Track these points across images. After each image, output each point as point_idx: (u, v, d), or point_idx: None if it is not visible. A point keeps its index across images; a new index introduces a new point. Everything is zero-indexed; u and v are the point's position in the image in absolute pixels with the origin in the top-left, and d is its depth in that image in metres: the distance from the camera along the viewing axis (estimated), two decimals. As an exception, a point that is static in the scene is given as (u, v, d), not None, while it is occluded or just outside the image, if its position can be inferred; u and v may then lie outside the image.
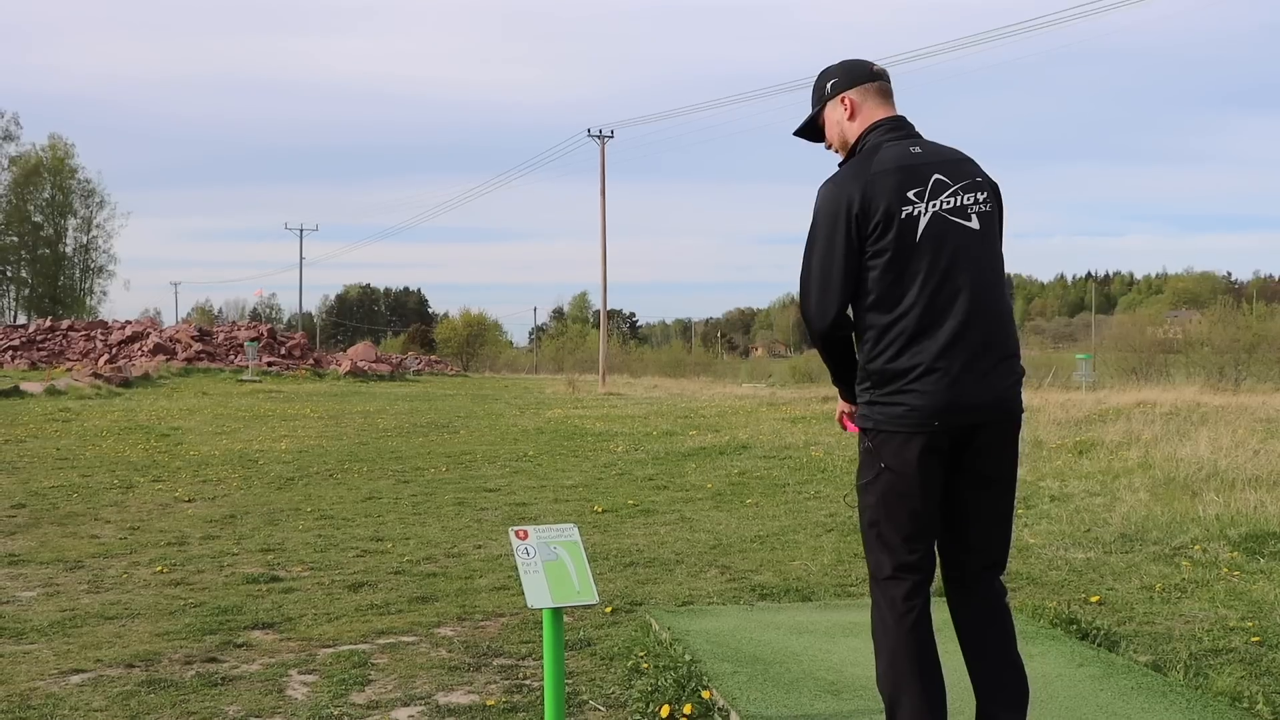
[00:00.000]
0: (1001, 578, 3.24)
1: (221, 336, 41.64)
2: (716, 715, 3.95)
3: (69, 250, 74.95)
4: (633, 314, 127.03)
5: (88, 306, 72.62)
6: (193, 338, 40.11)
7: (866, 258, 3.03)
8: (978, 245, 3.08)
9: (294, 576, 6.66)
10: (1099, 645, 4.80)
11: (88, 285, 75.72)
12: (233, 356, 38.26)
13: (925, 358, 2.99)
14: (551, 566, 3.57)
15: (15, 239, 72.69)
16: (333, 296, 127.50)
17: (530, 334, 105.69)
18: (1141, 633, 5.12)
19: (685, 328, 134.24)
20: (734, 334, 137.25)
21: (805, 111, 3.39)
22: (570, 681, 4.45)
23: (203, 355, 37.71)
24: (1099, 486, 9.46)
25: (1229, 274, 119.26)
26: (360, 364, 40.04)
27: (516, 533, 3.65)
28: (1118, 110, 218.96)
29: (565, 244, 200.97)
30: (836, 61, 3.34)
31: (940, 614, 3.16)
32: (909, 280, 3.01)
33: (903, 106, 3.29)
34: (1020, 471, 3.24)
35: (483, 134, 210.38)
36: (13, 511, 9.16)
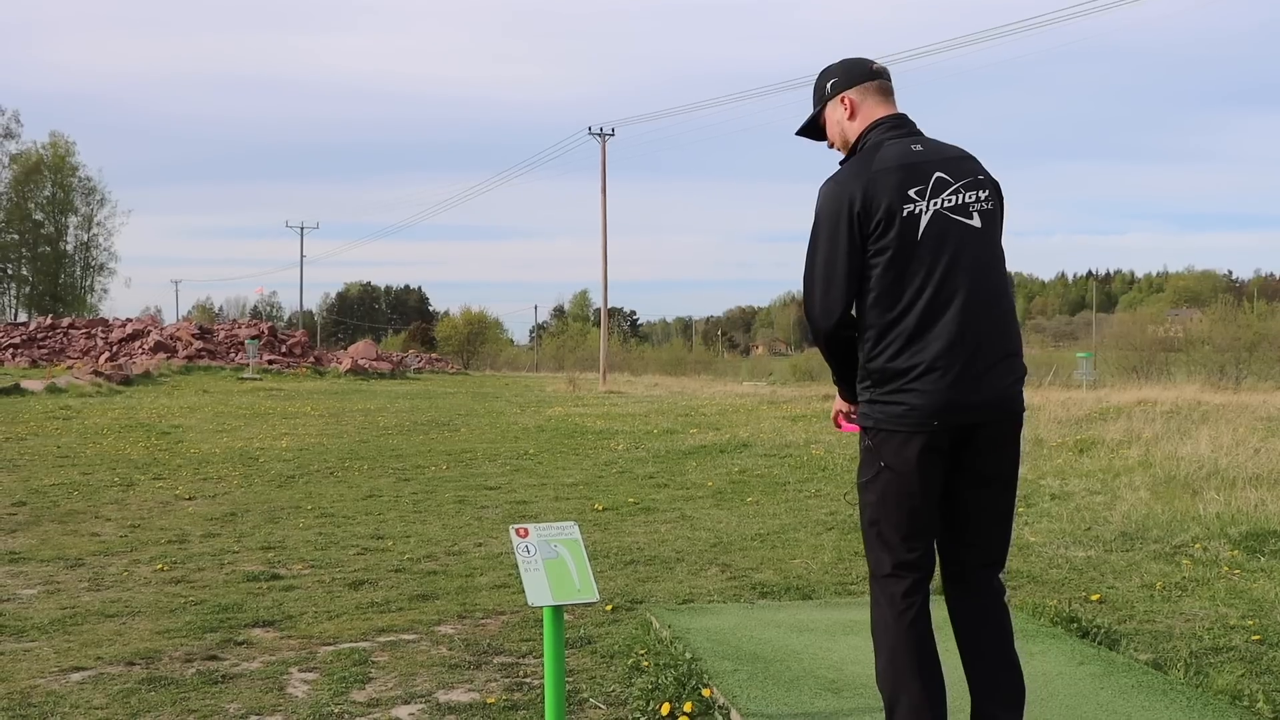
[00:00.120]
0: (1001, 576, 3.24)
1: (222, 334, 41.66)
2: (717, 713, 3.95)
3: (70, 248, 75.06)
4: (633, 312, 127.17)
5: (88, 304, 72.69)
6: (193, 336, 40.12)
7: (868, 256, 3.03)
8: (979, 243, 3.08)
9: (294, 574, 6.66)
10: (1099, 643, 4.80)
11: (88, 283, 75.82)
12: (233, 354, 38.28)
13: (926, 356, 2.99)
14: (552, 564, 3.57)
15: (16, 237, 72.73)
16: (333, 294, 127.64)
17: (531, 332, 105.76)
18: (1142, 631, 5.12)
19: (686, 326, 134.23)
20: (735, 332, 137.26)
21: (806, 110, 3.39)
22: (571, 679, 4.45)
23: (203, 353, 37.72)
24: (1100, 485, 9.46)
25: (1230, 272, 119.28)
26: (361, 362, 40.04)
27: (517, 531, 3.65)
28: (1118, 108, 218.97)
29: (566, 242, 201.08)
30: (836, 61, 3.34)
31: (940, 612, 3.16)
32: (910, 279, 3.01)
33: (903, 105, 3.29)
34: (1021, 470, 3.24)
35: (483, 132, 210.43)
36: (13, 509, 9.16)
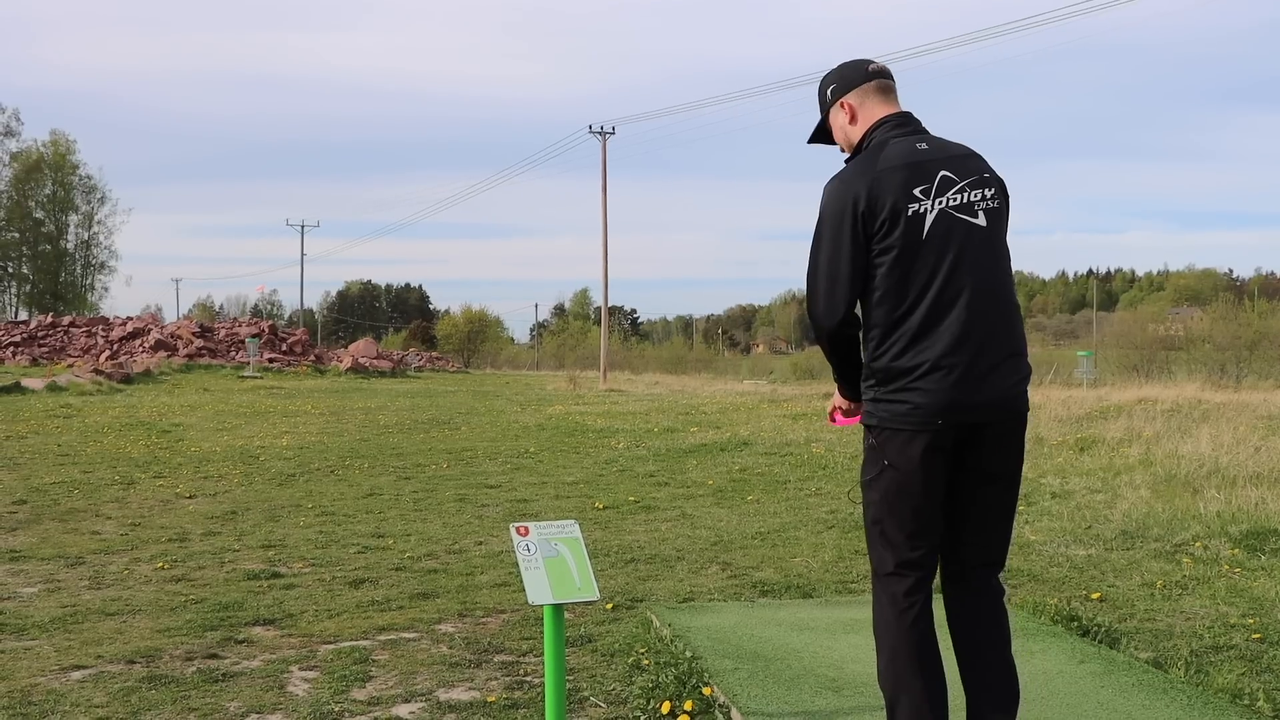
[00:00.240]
0: (1001, 576, 3.24)
1: (223, 333, 41.69)
2: (717, 712, 3.95)
3: (70, 246, 75.07)
4: (634, 310, 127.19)
5: (89, 303, 72.73)
6: (194, 334, 40.14)
7: (873, 255, 3.02)
8: (985, 242, 3.07)
9: (295, 573, 6.66)
10: (1100, 642, 4.80)
11: (89, 281, 75.85)
12: (234, 353, 38.31)
13: (930, 355, 2.98)
14: (552, 563, 3.57)
15: (16, 235, 72.74)
16: (334, 293, 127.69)
17: (531, 330, 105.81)
18: (1142, 629, 5.12)
19: (686, 324, 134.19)
20: (735, 330, 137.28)
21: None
22: (571, 678, 4.45)
23: (204, 351, 37.75)
24: (1100, 483, 9.46)
25: (1230, 271, 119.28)
26: (361, 360, 40.05)
27: (517, 529, 3.65)
28: (1119, 107, 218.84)
29: (567, 240, 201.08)
30: (834, 66, 3.34)
31: (941, 610, 3.16)
32: (915, 277, 3.00)
33: (904, 103, 3.28)
34: (1022, 468, 3.23)
35: (484, 130, 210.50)
36: (14, 507, 9.17)
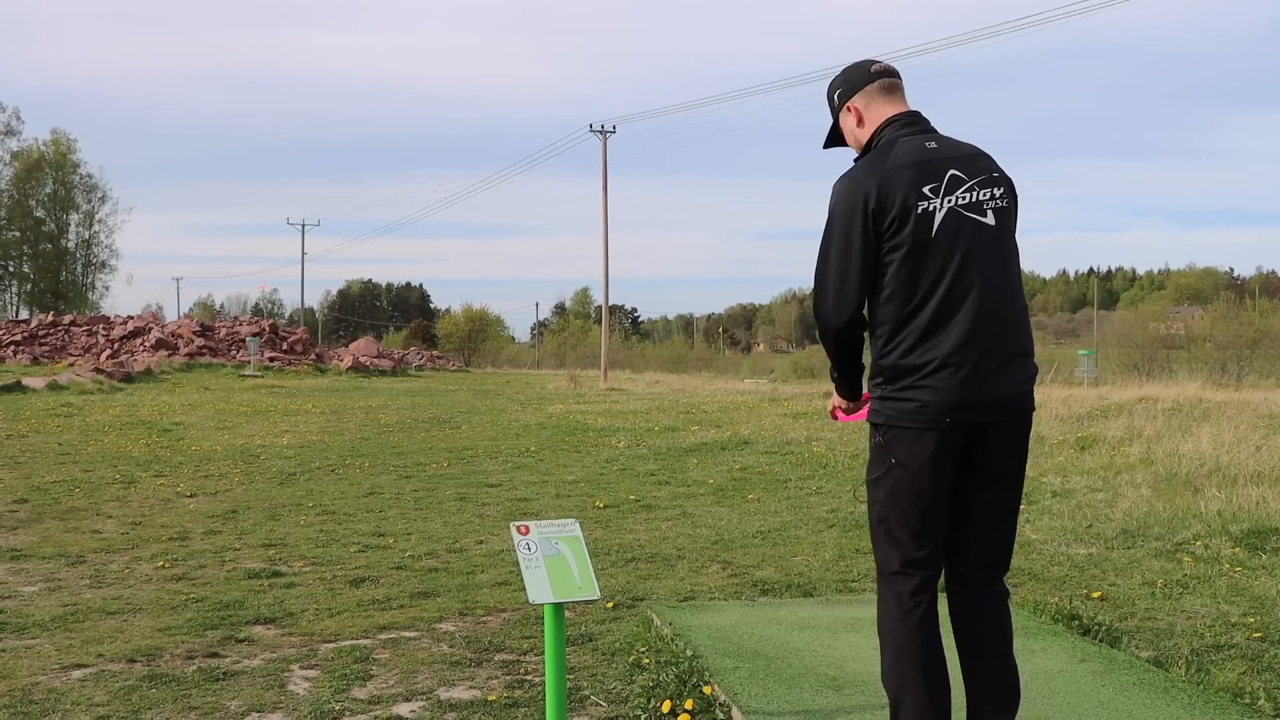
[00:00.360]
0: (1005, 578, 3.23)
1: (223, 332, 41.67)
2: (718, 711, 3.95)
3: (71, 245, 75.06)
4: (635, 309, 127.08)
5: (90, 302, 72.71)
6: (195, 333, 40.14)
7: (883, 253, 3.02)
8: (993, 241, 3.07)
9: (296, 571, 6.66)
10: (1100, 641, 4.80)
11: (90, 280, 75.83)
12: (235, 352, 38.30)
13: (939, 353, 2.98)
14: (553, 562, 3.57)
15: (17, 234, 72.73)
16: (335, 292, 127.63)
17: (532, 329, 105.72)
18: (1143, 628, 5.12)
19: (687, 323, 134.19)
20: (736, 329, 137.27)
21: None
22: (572, 677, 4.45)
23: (205, 350, 37.75)
24: (1101, 482, 9.46)
25: (1231, 270, 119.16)
26: (362, 359, 40.05)
27: (518, 528, 3.65)
28: (1120, 106, 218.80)
29: (567, 239, 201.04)
30: (840, 70, 3.34)
31: (943, 609, 3.16)
32: (924, 276, 3.00)
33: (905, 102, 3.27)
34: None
35: (485, 129, 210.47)
36: (15, 506, 9.17)
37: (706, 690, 4.07)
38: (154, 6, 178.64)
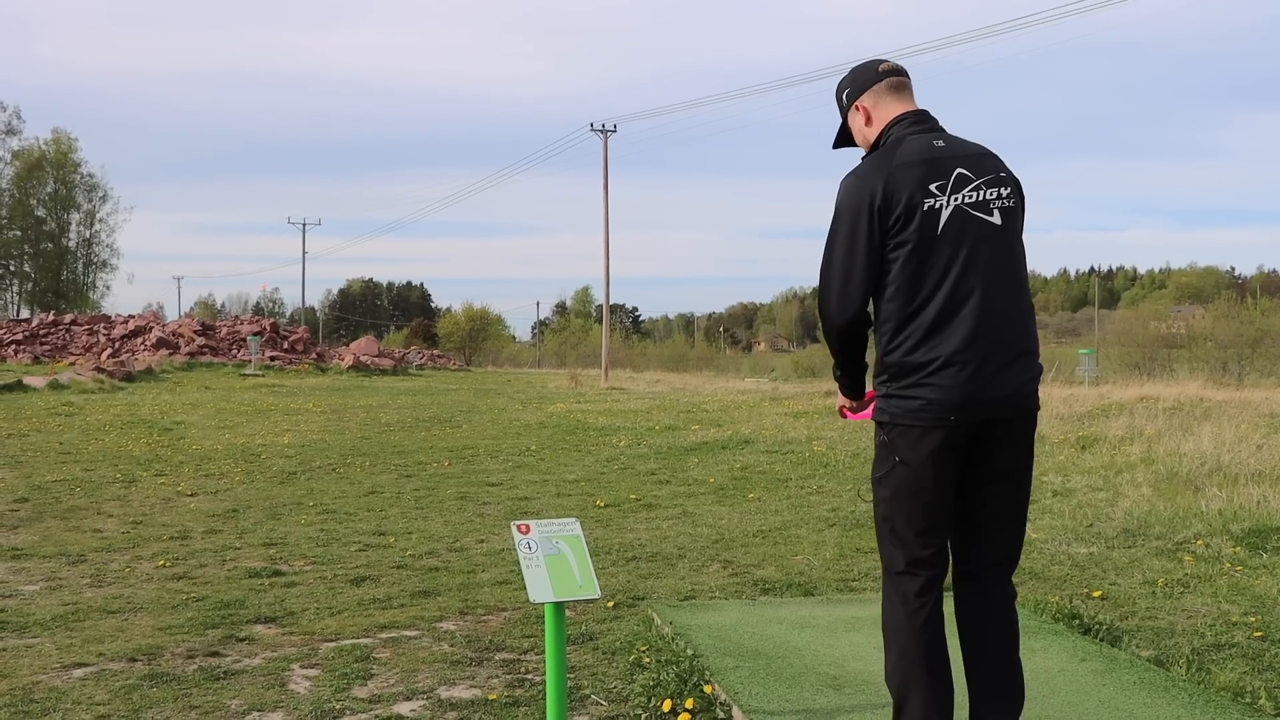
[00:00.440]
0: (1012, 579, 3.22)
1: (224, 331, 41.68)
2: (718, 710, 3.95)
3: (72, 244, 75.04)
4: (635, 308, 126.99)
5: (91, 301, 72.69)
6: (195, 332, 40.15)
7: (888, 250, 3.02)
8: (999, 240, 3.07)
9: (296, 571, 6.66)
10: (1101, 640, 4.80)
11: (90, 279, 75.81)
12: (235, 351, 38.31)
13: (943, 351, 2.98)
14: (553, 561, 3.56)
15: (18, 233, 72.73)
16: (335, 291, 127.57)
17: (533, 328, 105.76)
18: (1144, 628, 5.12)
19: (688, 322, 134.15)
20: (737, 328, 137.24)
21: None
22: (572, 676, 4.46)
23: (205, 350, 37.75)
24: (1102, 481, 9.46)
25: (1233, 269, 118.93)
26: (363, 358, 40.05)
27: (519, 527, 3.65)
28: (1120, 104, 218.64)
29: (568, 238, 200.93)
30: (849, 70, 3.34)
31: (947, 605, 3.15)
32: (929, 273, 3.00)
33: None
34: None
35: (485, 128, 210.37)
36: (16, 505, 9.17)
37: (707, 689, 4.07)
38: (155, 5, 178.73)
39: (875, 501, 3.18)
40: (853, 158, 3.28)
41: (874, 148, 3.22)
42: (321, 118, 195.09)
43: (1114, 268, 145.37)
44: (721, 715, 3.92)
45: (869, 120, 3.25)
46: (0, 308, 72.09)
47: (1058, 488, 9.31)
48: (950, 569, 3.19)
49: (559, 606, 3.51)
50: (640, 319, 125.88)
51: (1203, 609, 5.47)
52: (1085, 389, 20.06)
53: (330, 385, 30.40)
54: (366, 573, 6.57)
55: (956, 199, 3.03)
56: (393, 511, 8.95)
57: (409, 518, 8.65)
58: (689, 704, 3.96)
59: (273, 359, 37.29)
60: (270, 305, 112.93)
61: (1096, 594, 5.79)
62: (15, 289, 74.37)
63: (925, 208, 3.00)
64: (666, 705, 3.98)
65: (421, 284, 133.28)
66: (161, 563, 6.86)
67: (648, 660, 4.51)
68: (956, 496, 3.10)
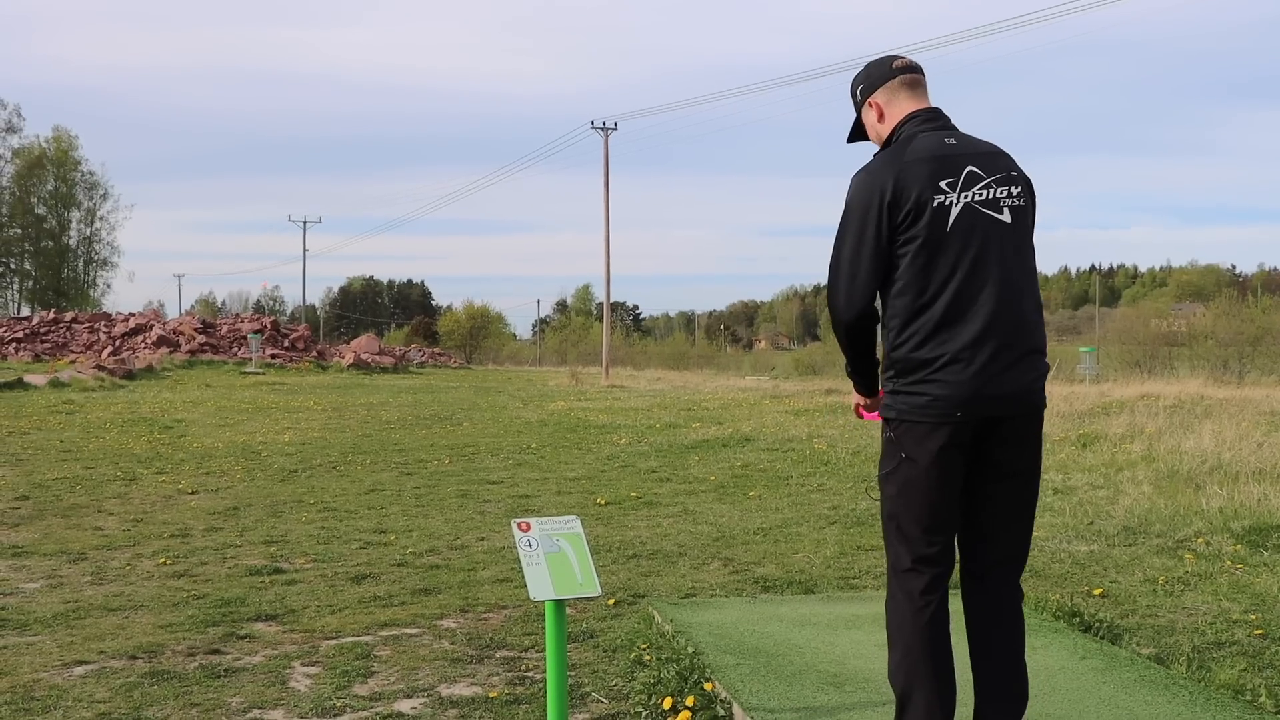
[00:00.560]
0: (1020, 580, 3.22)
1: (225, 329, 41.67)
2: (719, 707, 3.95)
3: (72, 242, 75.02)
4: (636, 306, 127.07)
5: (91, 299, 72.67)
6: (196, 330, 40.15)
7: (897, 246, 3.02)
8: (1008, 238, 3.07)
9: (297, 568, 6.67)
10: (1102, 638, 4.80)
11: (91, 277, 75.80)
12: (236, 349, 38.31)
13: (951, 348, 2.98)
14: (554, 559, 3.57)
15: (19, 231, 72.73)
16: (336, 289, 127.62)
17: (534, 326, 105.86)
18: (1144, 625, 5.12)
19: (689, 320, 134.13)
20: (737, 326, 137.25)
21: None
22: (573, 673, 4.46)
23: (206, 347, 37.75)
24: (1102, 479, 9.46)
25: (1233, 267, 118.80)
26: (364, 356, 40.06)
27: (519, 525, 3.65)
28: (1121, 102, 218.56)
29: (569, 236, 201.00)
30: (863, 65, 3.34)
31: (952, 603, 3.14)
32: (938, 269, 3.00)
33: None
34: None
35: (486, 126, 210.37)
36: (16, 503, 9.18)
37: (707, 687, 4.07)
38: (155, 3, 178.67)
39: (882, 498, 3.17)
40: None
41: (886, 144, 3.22)
42: (322, 115, 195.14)
43: (1115, 265, 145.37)
44: (722, 713, 3.92)
45: (881, 116, 3.25)
46: (1, 306, 72.13)
47: (1058, 485, 9.31)
48: (958, 567, 3.18)
49: (559, 604, 3.51)
50: (641, 317, 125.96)
51: (1203, 607, 5.47)
52: (1086, 387, 20.05)
53: (331, 383, 30.40)
54: (367, 570, 6.57)
55: (967, 196, 3.03)
56: (393, 509, 8.96)
57: (410, 515, 8.65)
58: (689, 701, 3.97)
59: (273, 357, 37.28)
60: (271, 303, 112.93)
61: (1097, 592, 5.79)
62: (16, 287, 74.38)
63: (935, 204, 3.00)
64: (667, 703, 3.99)
65: (422, 282, 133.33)
66: (162, 560, 6.86)
67: (648, 658, 4.52)
68: (963, 494, 3.10)
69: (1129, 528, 7.46)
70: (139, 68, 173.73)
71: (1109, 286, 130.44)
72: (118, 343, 38.52)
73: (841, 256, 3.09)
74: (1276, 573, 6.10)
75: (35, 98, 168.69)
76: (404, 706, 4.14)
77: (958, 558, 3.18)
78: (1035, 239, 3.21)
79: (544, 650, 4.23)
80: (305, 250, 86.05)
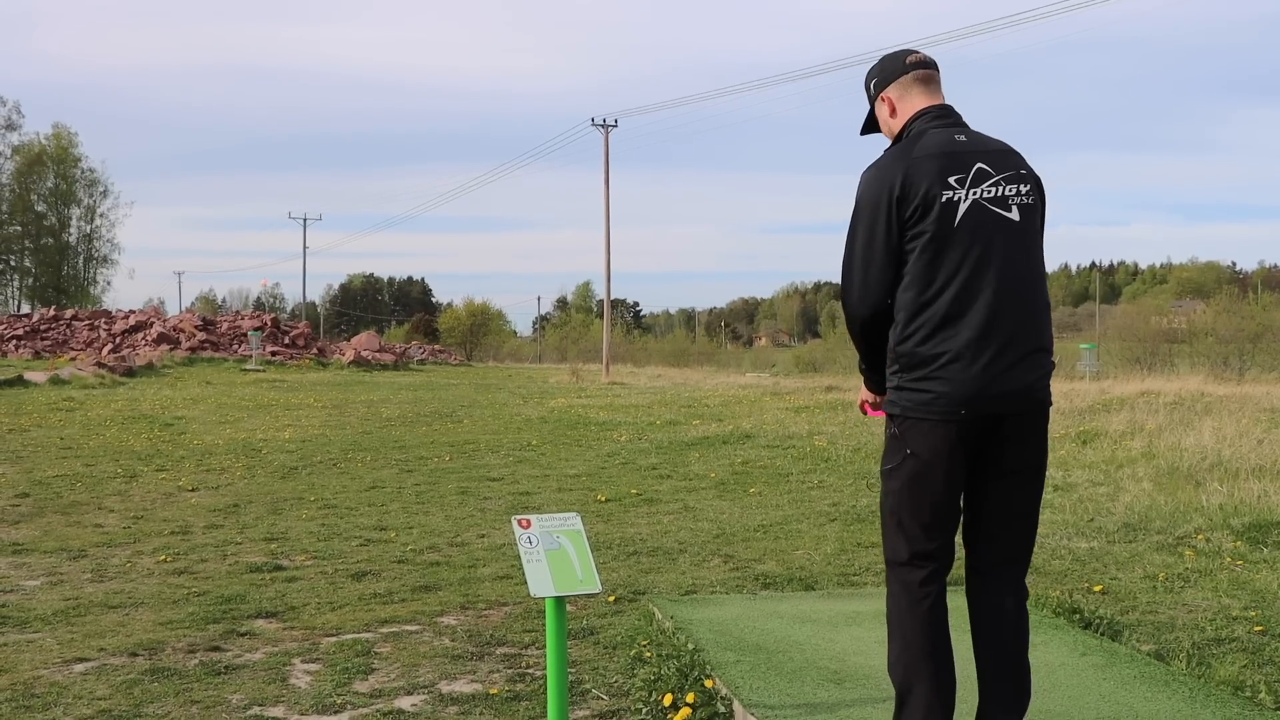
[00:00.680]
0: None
1: (225, 326, 41.67)
2: (719, 704, 3.95)
3: (73, 239, 74.96)
4: (636, 303, 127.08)
5: (91, 296, 72.63)
6: (196, 327, 40.14)
7: (905, 241, 3.03)
8: (1016, 236, 3.06)
9: (297, 565, 6.67)
10: (1102, 634, 4.80)
11: (91, 274, 75.73)
12: (236, 346, 38.31)
13: (955, 344, 2.98)
14: (554, 555, 3.56)
15: (19, 228, 72.68)
16: (336, 286, 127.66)
17: (534, 323, 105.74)
18: (1144, 622, 5.12)
19: (689, 317, 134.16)
20: (738, 323, 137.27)
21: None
22: (573, 670, 4.46)
23: (206, 345, 37.74)
24: (1103, 476, 9.46)
25: (1234, 264, 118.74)
26: (364, 353, 40.05)
27: (520, 521, 3.65)
28: (1122, 99, 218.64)
29: (569, 233, 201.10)
30: (878, 59, 3.34)
31: (954, 600, 3.14)
32: (944, 265, 3.00)
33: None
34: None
35: (486, 123, 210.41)
36: (17, 501, 9.18)
37: (708, 683, 4.07)
38: (155, 0, 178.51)
39: (884, 493, 3.17)
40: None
41: (897, 140, 3.22)
42: (322, 112, 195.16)
43: (1115, 262, 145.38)
44: (722, 709, 3.92)
45: (894, 111, 3.25)
46: (1, 303, 72.12)
47: (1059, 482, 9.31)
48: (963, 564, 3.18)
49: (560, 601, 3.51)
50: (641, 314, 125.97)
51: (1203, 603, 5.47)
52: (1086, 384, 20.06)
53: (331, 380, 30.40)
54: (367, 568, 6.57)
55: (975, 193, 3.03)
56: (394, 506, 8.96)
57: (410, 513, 8.65)
58: (690, 698, 3.97)
59: (274, 354, 37.28)
60: (271, 300, 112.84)
61: (1097, 588, 5.80)
62: (16, 284, 74.35)
63: (943, 200, 3.00)
64: (667, 699, 3.99)
65: (422, 279, 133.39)
66: (162, 558, 6.87)
67: (649, 654, 4.52)
68: (967, 492, 3.10)
69: (1129, 524, 7.46)
70: (139, 65, 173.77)
71: (1109, 283, 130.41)
72: (118, 340, 38.51)
73: (854, 253, 3.09)
74: (1276, 569, 6.10)
75: (35, 95, 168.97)
76: (404, 703, 4.15)
77: (962, 554, 3.18)
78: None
79: (544, 647, 4.24)
80: (305, 247, 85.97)
